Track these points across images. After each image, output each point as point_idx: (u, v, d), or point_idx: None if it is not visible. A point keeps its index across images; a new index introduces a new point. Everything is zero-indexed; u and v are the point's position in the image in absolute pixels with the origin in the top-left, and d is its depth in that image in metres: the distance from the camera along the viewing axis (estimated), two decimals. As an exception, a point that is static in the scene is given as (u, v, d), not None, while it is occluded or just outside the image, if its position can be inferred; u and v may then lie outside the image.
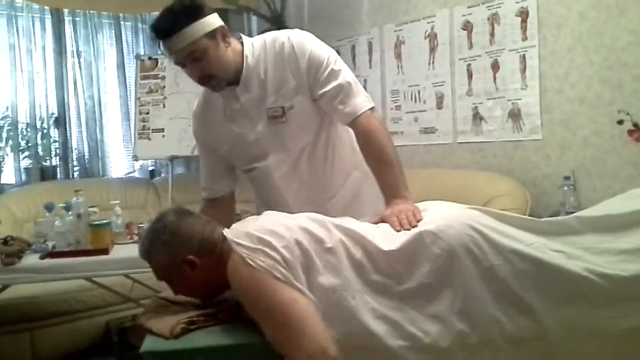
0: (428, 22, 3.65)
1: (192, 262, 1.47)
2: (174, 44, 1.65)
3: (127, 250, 2.62)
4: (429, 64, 3.66)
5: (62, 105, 4.26)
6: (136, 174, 4.68)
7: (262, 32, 4.86)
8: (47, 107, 4.23)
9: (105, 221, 2.66)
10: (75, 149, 4.38)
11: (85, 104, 4.38)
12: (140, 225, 2.86)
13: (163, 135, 4.04)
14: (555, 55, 3.00)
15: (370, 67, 4.05)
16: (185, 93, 4.03)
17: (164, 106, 4.07)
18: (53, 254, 2.53)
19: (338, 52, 1.91)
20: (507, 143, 3.26)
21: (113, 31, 4.56)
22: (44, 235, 2.75)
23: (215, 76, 1.73)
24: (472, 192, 3.03)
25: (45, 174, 4.20)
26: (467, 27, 3.42)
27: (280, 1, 4.49)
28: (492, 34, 3.29)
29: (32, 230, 3.02)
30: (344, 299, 1.36)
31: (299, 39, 1.78)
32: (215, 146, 1.92)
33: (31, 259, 2.51)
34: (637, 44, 2.68)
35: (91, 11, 4.40)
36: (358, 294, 1.38)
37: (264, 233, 1.41)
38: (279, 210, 1.75)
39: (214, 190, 1.97)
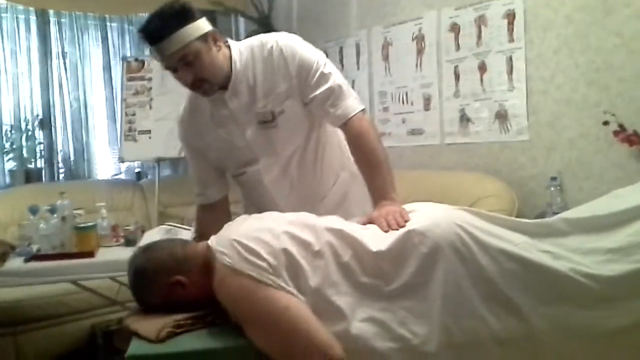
0: (415, 24, 3.66)
1: (179, 282, 1.47)
2: (165, 49, 1.63)
3: (113, 253, 2.60)
4: (417, 65, 3.67)
5: (47, 106, 4.22)
6: (122, 176, 4.64)
7: (250, 34, 4.87)
8: (32, 108, 4.19)
9: (90, 224, 2.63)
10: (61, 151, 4.34)
11: (71, 106, 4.34)
12: (127, 227, 2.84)
13: (149, 137, 4.01)
14: (542, 57, 3.02)
15: (358, 69, 4.05)
16: (171, 94, 3.99)
17: (151, 107, 4.04)
18: (37, 257, 2.49)
19: (326, 54, 1.91)
20: (494, 144, 3.28)
21: (99, 32, 4.52)
22: (28, 238, 2.71)
23: (208, 80, 1.70)
24: (459, 193, 3.04)
25: (30, 177, 4.15)
26: (455, 29, 3.44)
27: (268, 3, 4.49)
28: (479, 36, 3.30)
29: (16, 234, 2.97)
30: (333, 302, 1.36)
31: (288, 43, 1.77)
32: (203, 150, 1.91)
33: (15, 262, 2.48)
34: (622, 46, 2.70)
35: (77, 12, 4.37)
36: (346, 297, 1.37)
37: (248, 240, 1.40)
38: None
39: (207, 196, 1.96)
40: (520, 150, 3.16)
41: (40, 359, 3.08)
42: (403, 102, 3.77)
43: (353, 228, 1.52)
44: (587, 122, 2.85)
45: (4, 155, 4.10)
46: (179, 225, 2.72)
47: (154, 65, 4.08)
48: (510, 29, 3.14)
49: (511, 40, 3.14)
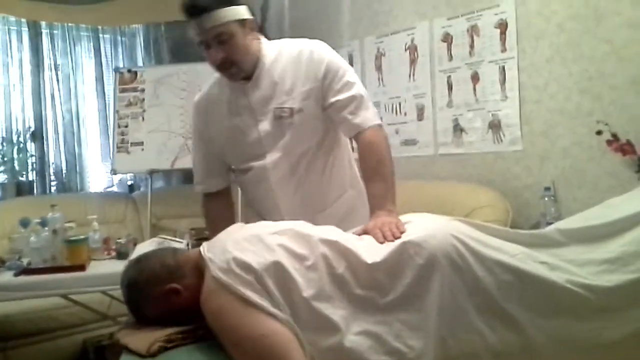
0: (408, 34, 3.67)
1: (173, 290, 1.46)
2: (205, 22, 1.68)
3: (105, 267, 2.58)
4: (410, 75, 3.67)
5: (39, 118, 4.20)
6: (115, 189, 4.61)
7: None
8: (23, 120, 4.16)
9: (81, 237, 2.61)
10: (53, 163, 4.30)
11: (63, 118, 4.32)
12: (118, 240, 2.81)
13: (142, 149, 3.98)
14: (534, 67, 3.02)
15: (351, 79, 4.04)
16: (164, 106, 3.99)
17: (143, 119, 4.02)
18: (28, 271, 2.47)
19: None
20: (488, 154, 3.28)
21: (91, 44, 4.51)
22: (18, 251, 2.69)
23: (237, 63, 1.75)
24: (453, 203, 3.03)
25: (22, 189, 4.12)
26: (447, 39, 3.44)
27: (261, 13, 4.49)
28: (471, 46, 3.31)
29: (6, 247, 2.94)
30: (326, 316, 1.34)
31: (319, 47, 1.83)
32: (212, 138, 1.92)
33: (5, 276, 2.45)
34: (614, 54, 2.71)
35: (69, 24, 4.36)
36: (340, 310, 1.36)
37: (239, 250, 1.39)
38: (269, 218, 1.80)
39: (207, 185, 1.99)
40: (513, 160, 3.15)
41: (31, 375, 3.04)
42: (396, 113, 3.77)
43: (348, 239, 1.50)
44: (581, 131, 2.85)
45: (-5, 167, 4.07)
46: (171, 237, 2.70)
47: (147, 77, 4.08)
48: (503, 39, 3.15)
49: (504, 49, 3.15)
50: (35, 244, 2.55)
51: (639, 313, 1.39)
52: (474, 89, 3.31)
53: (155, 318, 1.48)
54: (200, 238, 2.57)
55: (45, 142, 4.24)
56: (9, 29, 4.13)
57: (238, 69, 1.76)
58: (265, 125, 1.81)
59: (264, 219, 1.85)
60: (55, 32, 4.32)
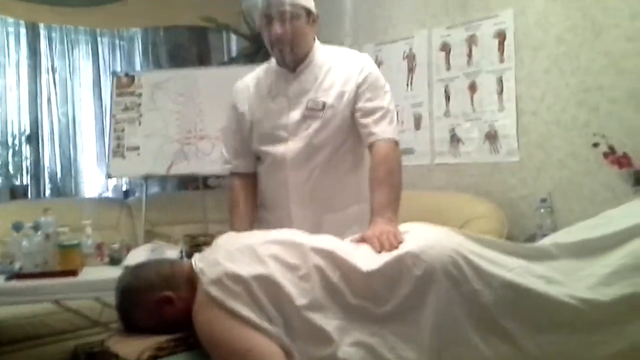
0: (406, 43, 3.67)
1: (167, 297, 1.45)
2: None
3: (97, 272, 2.56)
4: (407, 84, 3.67)
5: (35, 122, 4.18)
6: (109, 194, 4.58)
7: (242, 51, 4.88)
8: (19, 123, 4.14)
9: (74, 242, 2.59)
10: (48, 167, 4.28)
11: (59, 121, 4.30)
12: (112, 246, 2.79)
13: (138, 154, 3.95)
14: (532, 78, 3.02)
15: (349, 87, 4.04)
16: (161, 111, 3.97)
17: (140, 124, 4.00)
18: (19, 276, 2.45)
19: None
20: (484, 165, 3.27)
21: (89, 47, 4.50)
22: (10, 255, 2.66)
23: (291, 44, 1.83)
24: (449, 213, 3.01)
25: (16, 193, 4.09)
26: (445, 48, 3.44)
27: (261, 20, 4.48)
28: (469, 56, 3.31)
29: (-1, 251, 2.92)
30: (320, 326, 1.32)
31: (367, 59, 1.94)
32: (244, 114, 1.98)
33: (-4, 281, 2.42)
34: (612, 67, 2.71)
35: (68, 26, 4.35)
36: (334, 321, 1.34)
37: (231, 261, 1.39)
38: (277, 213, 1.92)
39: (235, 165, 2.04)
40: (510, 171, 3.15)
41: (20, 381, 3.00)
42: (394, 121, 3.75)
43: (342, 248, 1.49)
44: (577, 143, 2.85)
45: (-10, 170, 4.05)
46: (164, 243, 2.68)
47: (144, 81, 4.06)
48: (501, 49, 3.15)
49: (502, 60, 3.15)
50: (27, 248, 2.53)
51: (636, 327, 1.38)
52: (472, 99, 3.31)
53: (146, 327, 1.47)
54: (194, 245, 2.56)
55: (40, 146, 4.21)
56: (6, 30, 4.12)
57: (290, 50, 1.84)
58: (295, 115, 1.88)
59: (271, 214, 1.96)
60: (53, 34, 4.31)
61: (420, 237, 1.48)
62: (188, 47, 4.91)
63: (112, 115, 4.05)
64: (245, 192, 2.00)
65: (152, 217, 3.99)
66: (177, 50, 4.85)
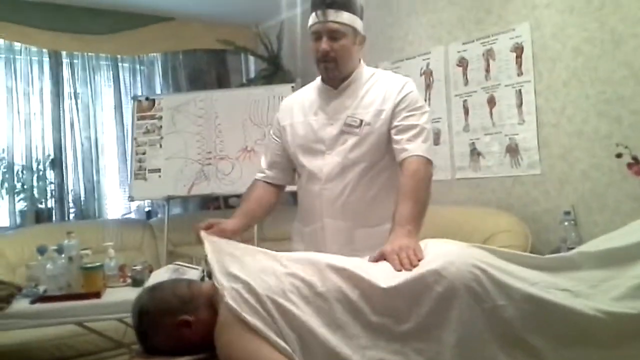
0: (423, 59, 3.67)
1: (186, 322, 1.45)
2: (330, 15, 1.85)
3: (120, 294, 2.57)
4: (425, 100, 3.66)
5: (58, 146, 4.26)
6: (132, 215, 4.63)
7: (260, 72, 4.93)
8: (43, 148, 4.23)
9: (97, 264, 2.61)
10: (72, 190, 4.35)
11: (82, 145, 4.38)
12: (134, 267, 2.80)
13: (159, 176, 4.01)
14: (551, 90, 3.00)
15: (367, 105, 4.05)
16: (182, 133, 4.03)
17: (161, 146, 4.06)
18: (43, 299, 2.47)
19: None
20: (506, 178, 3.24)
21: (111, 72, 4.59)
22: (35, 279, 2.69)
23: (337, 61, 1.89)
24: (471, 228, 2.99)
25: (41, 217, 4.16)
26: (463, 63, 3.44)
27: (277, 42, 4.54)
28: (487, 70, 3.30)
29: (24, 274, 2.96)
30: (335, 349, 1.31)
31: (409, 81, 1.96)
32: (285, 127, 2.04)
33: (21, 304, 2.45)
34: (632, 78, 2.68)
35: (89, 53, 4.45)
36: (355, 340, 1.33)
37: (251, 278, 1.40)
38: (311, 225, 1.95)
39: (267, 175, 2.10)
40: (532, 184, 3.11)
41: (46, 404, 3.03)
42: (412, 137, 3.74)
43: (360, 266, 1.48)
44: (600, 154, 2.81)
45: (15, 195, 4.11)
46: (186, 264, 2.69)
47: (165, 104, 4.13)
48: (519, 62, 3.13)
49: (520, 73, 3.13)
50: (51, 271, 2.55)
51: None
52: (491, 113, 3.29)
53: (164, 349, 1.47)
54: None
55: (64, 170, 4.29)
56: (30, 59, 4.22)
57: (335, 67, 1.89)
58: (333, 130, 1.93)
59: (306, 227, 2.00)
60: (75, 61, 4.41)
61: (440, 253, 1.47)
62: (207, 70, 4.98)
63: (133, 139, 4.13)
64: (260, 193, 2.05)
65: (174, 237, 4.03)
66: (196, 73, 4.93)
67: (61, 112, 4.29)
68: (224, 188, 3.89)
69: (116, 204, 4.60)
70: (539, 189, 3.08)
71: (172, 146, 4.03)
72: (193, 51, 4.89)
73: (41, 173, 4.21)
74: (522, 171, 3.15)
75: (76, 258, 2.59)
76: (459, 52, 3.46)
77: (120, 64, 4.63)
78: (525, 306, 1.35)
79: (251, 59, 5.07)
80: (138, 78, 4.75)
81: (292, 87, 3.85)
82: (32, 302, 2.44)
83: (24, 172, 4.13)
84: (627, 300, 1.37)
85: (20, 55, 4.19)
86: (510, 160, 3.21)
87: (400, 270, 1.44)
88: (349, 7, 1.87)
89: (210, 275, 2.45)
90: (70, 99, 4.36)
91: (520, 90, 3.14)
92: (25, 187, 4.13)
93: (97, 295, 2.50)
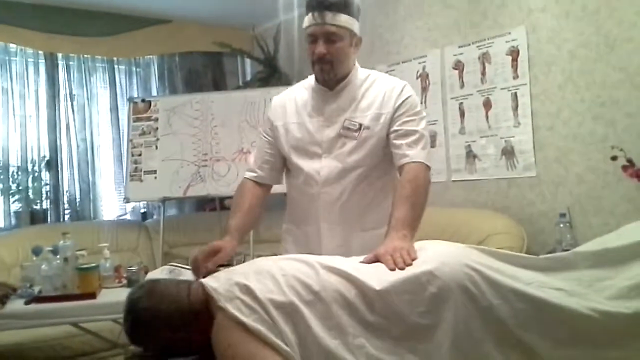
0: (419, 62, 3.69)
1: (186, 338, 1.43)
2: (327, 17, 1.82)
3: (115, 295, 2.56)
4: (421, 103, 3.66)
5: (54, 148, 4.25)
6: (128, 217, 4.62)
7: (256, 75, 4.93)
8: (38, 150, 4.22)
9: (92, 265, 2.60)
10: (67, 191, 4.34)
11: (78, 147, 4.37)
12: (130, 268, 2.80)
13: (155, 177, 4.00)
14: (547, 93, 3.01)
15: (363, 107, 4.05)
16: (177, 135, 4.03)
17: (157, 148, 4.06)
18: (38, 299, 2.47)
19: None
20: (501, 180, 3.25)
21: (107, 74, 4.58)
22: (30, 279, 2.69)
23: (333, 64, 1.86)
24: (467, 230, 2.99)
25: (36, 218, 4.15)
26: (459, 66, 3.45)
27: (274, 44, 4.55)
28: (483, 73, 3.31)
29: (19, 275, 2.95)
30: (334, 350, 1.31)
31: (407, 86, 1.95)
32: (278, 127, 2.00)
33: (16, 305, 2.45)
34: (627, 81, 2.69)
35: (85, 55, 4.44)
36: (352, 338, 1.33)
37: (245, 279, 1.39)
38: (306, 228, 1.93)
39: (257, 174, 2.04)
40: (528, 187, 3.12)
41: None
42: (408, 140, 3.75)
43: (353, 266, 1.47)
44: (595, 157, 2.82)
45: (10, 196, 4.10)
46: (182, 265, 2.68)
47: (161, 106, 4.12)
48: (514, 66, 3.15)
49: (515, 76, 3.14)
50: (46, 272, 2.55)
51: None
52: (487, 116, 3.30)
53: (156, 352, 1.46)
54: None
55: (59, 171, 4.28)
56: (26, 61, 4.21)
57: (331, 69, 1.87)
58: (330, 132, 1.91)
59: (301, 229, 1.97)
60: (71, 63, 4.40)
61: (435, 254, 1.47)
62: (203, 72, 4.98)
63: (129, 140, 4.12)
64: (252, 195, 1.98)
65: (170, 238, 4.03)
66: (192, 76, 4.93)
67: (57, 113, 4.28)
68: (220, 190, 3.89)
69: (111, 205, 4.59)
70: (535, 191, 3.09)
71: (168, 148, 4.03)
72: (189, 53, 4.89)
73: (36, 174, 4.20)
74: (517, 173, 3.17)
75: (71, 259, 2.59)
76: (455, 55, 3.47)
77: (116, 66, 4.63)
78: (520, 305, 1.35)
79: (247, 61, 5.07)
80: (134, 80, 4.74)
81: (289, 89, 3.85)
82: (27, 303, 2.44)
83: (19, 173, 4.12)
84: (621, 300, 1.38)
85: (16, 56, 4.18)
86: (506, 163, 3.22)
87: (393, 270, 1.44)
88: (346, 9, 1.84)
89: (204, 276, 2.44)
90: (66, 100, 4.35)
91: (515, 94, 3.15)
92: (20, 188, 4.12)
93: (93, 295, 2.50)
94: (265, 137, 2.06)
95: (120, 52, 4.56)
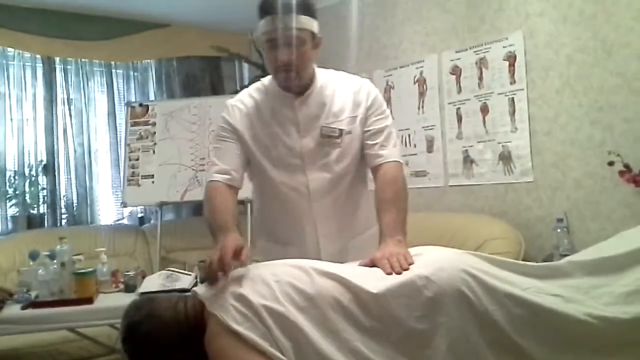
0: (417, 67, 3.69)
1: (190, 356, 1.41)
2: (286, 21, 1.70)
3: (113, 299, 2.56)
4: (419, 108, 3.68)
5: (51, 152, 4.23)
6: (125, 221, 4.61)
7: (254, 79, 4.93)
8: (36, 154, 4.19)
9: (89, 269, 2.59)
10: (64, 196, 4.32)
11: (75, 151, 4.35)
12: (127, 273, 2.79)
13: (153, 182, 4.00)
14: (544, 98, 3.02)
15: (361, 112, 4.06)
16: (175, 139, 4.03)
17: (154, 152, 4.05)
18: (35, 304, 2.45)
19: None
20: (499, 185, 3.25)
21: (104, 79, 4.56)
22: (27, 284, 2.67)
23: (298, 70, 1.76)
24: (465, 235, 3.00)
25: (33, 222, 4.13)
26: (456, 71, 3.46)
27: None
28: (480, 78, 3.32)
29: (15, 280, 2.94)
30: (330, 353, 1.30)
31: (369, 83, 1.92)
32: (246, 140, 1.84)
33: (12, 310, 2.44)
34: (624, 86, 2.70)
35: (83, 59, 4.43)
36: (347, 343, 1.32)
37: (238, 285, 1.37)
38: (300, 247, 1.82)
39: (232, 177, 1.81)
40: (525, 192, 3.13)
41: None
42: (406, 145, 3.76)
43: (349, 271, 1.46)
44: (592, 162, 2.83)
45: (7, 201, 4.08)
46: (179, 270, 2.68)
47: (158, 110, 4.12)
48: (512, 71, 3.15)
49: (513, 81, 3.15)
50: (43, 276, 2.54)
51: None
52: (484, 121, 3.31)
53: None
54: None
55: (56, 176, 4.26)
56: (23, 65, 4.20)
57: (297, 76, 1.77)
58: (309, 142, 1.82)
59: (294, 248, 1.83)
60: (68, 67, 4.39)
61: (431, 259, 1.47)
62: (201, 77, 4.97)
63: (126, 145, 4.12)
64: (229, 204, 1.75)
65: (167, 243, 4.02)
66: (190, 80, 4.92)
67: (54, 117, 4.26)
68: (218, 194, 3.88)
69: (109, 210, 4.57)
70: (532, 196, 3.09)
71: (166, 152, 4.03)
72: (187, 57, 4.88)
73: (33, 178, 4.18)
74: (515, 178, 3.17)
75: (68, 263, 2.58)
76: (452, 60, 3.48)
77: (114, 70, 4.61)
78: (516, 310, 1.35)
79: (245, 65, 5.07)
80: (132, 84, 4.73)
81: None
82: (24, 308, 2.42)
83: (16, 177, 4.10)
84: (619, 305, 1.38)
85: (14, 60, 4.16)
86: (503, 168, 3.22)
87: (390, 274, 1.43)
88: (305, 10, 1.73)
89: (202, 280, 2.43)
90: (64, 104, 4.33)
91: (513, 99, 3.16)
92: (17, 192, 4.10)
93: (90, 300, 2.48)
94: (230, 140, 1.85)
95: (118, 56, 4.55)
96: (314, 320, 1.33)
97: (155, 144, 4.07)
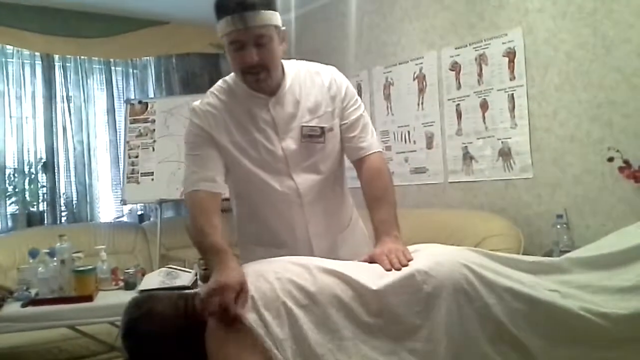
0: (416, 64, 3.69)
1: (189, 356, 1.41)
2: (249, 20, 1.58)
3: (112, 297, 2.56)
4: (418, 104, 3.68)
5: (50, 150, 4.24)
6: (125, 219, 4.61)
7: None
8: (35, 152, 4.20)
9: (89, 267, 2.60)
10: (64, 194, 4.32)
11: (75, 149, 4.36)
12: (127, 270, 2.79)
13: (152, 179, 4.01)
14: (544, 94, 3.02)
15: (360, 109, 4.06)
16: (174, 136, 4.02)
17: (154, 149, 4.06)
18: (35, 302, 2.46)
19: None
20: (498, 182, 3.25)
21: (104, 76, 4.56)
22: (27, 282, 2.68)
23: (269, 70, 1.67)
24: (464, 231, 3.00)
25: (32, 220, 4.14)
26: (455, 67, 3.46)
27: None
28: (480, 74, 3.32)
29: (15, 278, 2.94)
30: (331, 350, 1.30)
31: (338, 72, 1.86)
32: (224, 146, 1.74)
33: (12, 307, 2.44)
34: (624, 83, 2.70)
35: (82, 57, 4.43)
36: (347, 342, 1.32)
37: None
38: (286, 246, 1.75)
39: (216, 184, 1.71)
40: (524, 188, 3.13)
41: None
42: (405, 141, 3.76)
43: (352, 268, 1.47)
44: (592, 159, 2.82)
45: (7, 198, 4.09)
46: (179, 268, 2.68)
47: (157, 107, 4.12)
48: (511, 67, 3.15)
49: (512, 78, 3.15)
50: (43, 274, 2.54)
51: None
52: (483, 117, 3.31)
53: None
54: (208, 268, 2.55)
55: (56, 173, 4.27)
56: (22, 63, 4.20)
57: (267, 76, 1.67)
58: (290, 144, 1.74)
59: (289, 249, 1.74)
60: (68, 64, 4.39)
61: (430, 255, 1.48)
62: (200, 74, 4.97)
63: (126, 142, 4.12)
64: (219, 213, 1.67)
65: (167, 241, 4.02)
66: (189, 77, 4.92)
67: (53, 115, 4.27)
68: (217, 192, 3.88)
69: (108, 207, 4.58)
70: (532, 193, 3.09)
71: (165, 149, 4.03)
72: (186, 55, 4.88)
73: (33, 176, 4.19)
74: (514, 175, 3.17)
75: (68, 261, 2.59)
76: (451, 56, 3.47)
77: (113, 68, 4.61)
78: (515, 304, 1.36)
79: (244, 62, 5.06)
80: (131, 81, 4.73)
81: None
82: (24, 306, 2.43)
83: (16, 175, 4.11)
84: (617, 301, 1.39)
85: (13, 58, 4.17)
86: (503, 164, 3.22)
87: (389, 270, 1.44)
88: (266, 4, 1.62)
89: (203, 278, 2.44)
90: (63, 102, 4.34)
91: (512, 95, 3.15)
92: (16, 190, 4.11)
93: (89, 298, 2.49)
94: (208, 147, 1.73)
95: (117, 53, 4.55)
96: (315, 318, 1.33)
97: (154, 141, 4.07)
